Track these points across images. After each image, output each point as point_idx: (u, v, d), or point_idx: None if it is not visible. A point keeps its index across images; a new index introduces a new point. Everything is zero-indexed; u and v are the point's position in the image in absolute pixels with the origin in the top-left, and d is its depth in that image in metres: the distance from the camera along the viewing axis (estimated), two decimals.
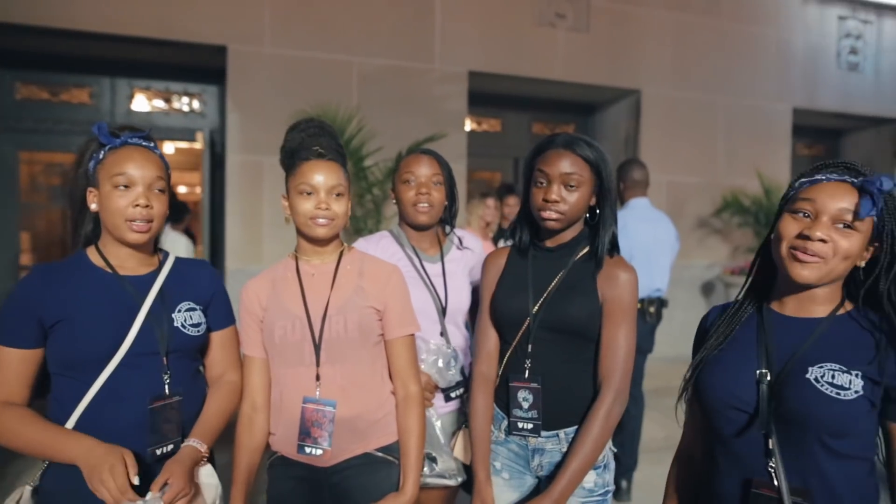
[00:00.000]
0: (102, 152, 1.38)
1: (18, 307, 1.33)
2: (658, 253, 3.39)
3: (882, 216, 1.11)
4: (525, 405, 1.56)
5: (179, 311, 1.44)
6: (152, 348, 1.37)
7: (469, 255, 1.97)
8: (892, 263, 1.12)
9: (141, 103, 5.39)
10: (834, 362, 1.10)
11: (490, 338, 1.65)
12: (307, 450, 1.51)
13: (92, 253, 1.43)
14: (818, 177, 1.15)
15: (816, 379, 1.09)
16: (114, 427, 1.32)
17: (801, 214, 1.13)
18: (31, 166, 5.34)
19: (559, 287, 1.55)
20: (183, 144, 6.11)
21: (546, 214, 1.52)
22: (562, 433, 1.55)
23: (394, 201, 1.95)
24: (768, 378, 1.14)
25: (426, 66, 5.30)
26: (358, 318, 1.52)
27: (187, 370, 1.46)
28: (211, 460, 1.50)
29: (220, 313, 1.56)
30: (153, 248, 1.50)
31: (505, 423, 1.61)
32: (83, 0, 4.37)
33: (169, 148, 7.38)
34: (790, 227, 1.14)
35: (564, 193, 1.50)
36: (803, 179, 1.17)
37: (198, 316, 1.47)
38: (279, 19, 4.85)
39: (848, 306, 1.18)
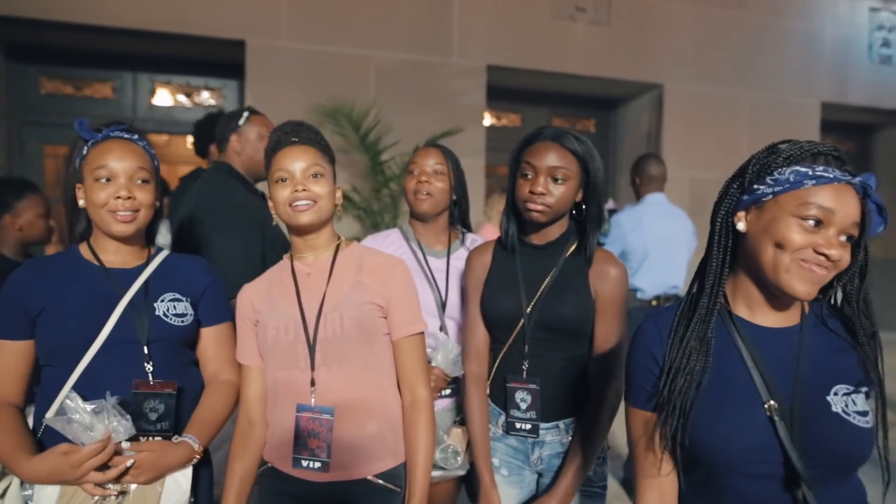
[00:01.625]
0: (86, 148, 1.39)
1: (6, 299, 1.35)
2: (674, 249, 3.33)
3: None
4: (523, 405, 1.54)
5: (162, 300, 1.42)
6: (132, 337, 1.36)
7: None
8: (865, 269, 1.02)
9: (162, 98, 5.45)
10: (841, 382, 0.98)
11: (479, 335, 1.63)
12: (304, 463, 1.39)
13: (83, 248, 1.44)
14: (823, 173, 0.95)
15: (844, 410, 0.96)
16: None
17: (813, 224, 0.95)
18: (56, 160, 5.43)
19: (552, 286, 1.52)
20: None
21: (532, 206, 1.49)
22: (561, 424, 1.54)
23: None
24: (778, 412, 0.96)
25: (444, 60, 5.27)
26: (356, 315, 1.41)
27: (174, 362, 1.43)
28: (206, 461, 1.48)
29: (213, 308, 1.52)
30: (145, 241, 1.49)
31: (502, 418, 1.59)
32: None
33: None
34: (798, 237, 0.95)
35: (551, 186, 1.47)
36: (801, 169, 0.96)
37: (183, 307, 1.44)
38: (297, 13, 4.86)
39: (805, 305, 1.06)
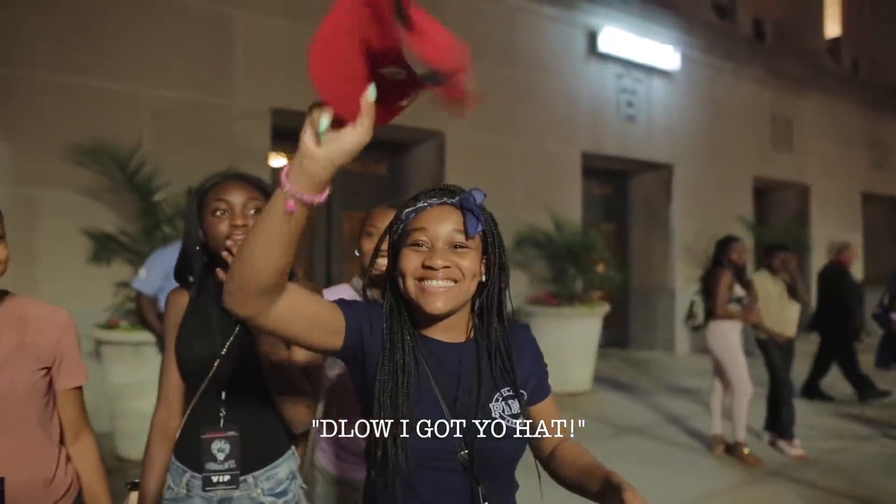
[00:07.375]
0: None
1: None
2: None
3: (486, 229, 1.14)
4: (221, 456, 1.44)
5: None
6: None
7: None
8: (503, 271, 1.16)
9: None
10: (502, 388, 1.12)
11: (172, 382, 1.53)
12: None
13: None
14: (420, 204, 1.14)
15: (502, 415, 1.11)
16: None
17: (419, 246, 1.11)
18: None
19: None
20: None
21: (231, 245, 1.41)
22: (250, 477, 1.46)
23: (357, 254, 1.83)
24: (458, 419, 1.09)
25: (225, 101, 5.23)
26: (23, 377, 1.34)
27: None
28: None
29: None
30: None
31: (186, 476, 1.47)
32: None
33: None
34: (412, 260, 1.10)
35: (250, 221, 1.43)
36: (408, 210, 1.16)
37: None
38: (54, 42, 4.55)
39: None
